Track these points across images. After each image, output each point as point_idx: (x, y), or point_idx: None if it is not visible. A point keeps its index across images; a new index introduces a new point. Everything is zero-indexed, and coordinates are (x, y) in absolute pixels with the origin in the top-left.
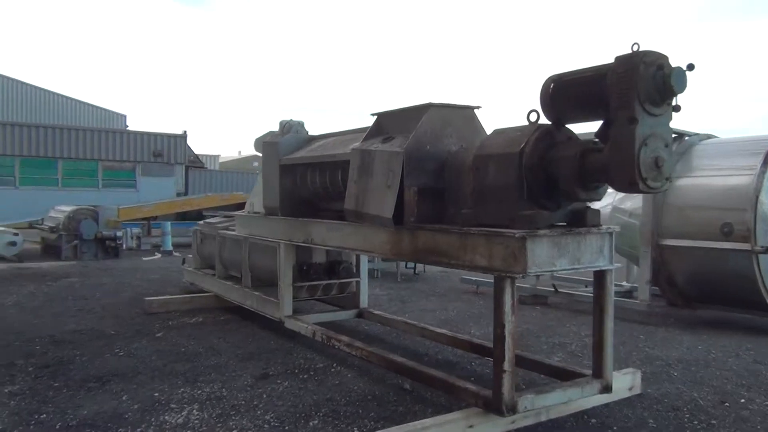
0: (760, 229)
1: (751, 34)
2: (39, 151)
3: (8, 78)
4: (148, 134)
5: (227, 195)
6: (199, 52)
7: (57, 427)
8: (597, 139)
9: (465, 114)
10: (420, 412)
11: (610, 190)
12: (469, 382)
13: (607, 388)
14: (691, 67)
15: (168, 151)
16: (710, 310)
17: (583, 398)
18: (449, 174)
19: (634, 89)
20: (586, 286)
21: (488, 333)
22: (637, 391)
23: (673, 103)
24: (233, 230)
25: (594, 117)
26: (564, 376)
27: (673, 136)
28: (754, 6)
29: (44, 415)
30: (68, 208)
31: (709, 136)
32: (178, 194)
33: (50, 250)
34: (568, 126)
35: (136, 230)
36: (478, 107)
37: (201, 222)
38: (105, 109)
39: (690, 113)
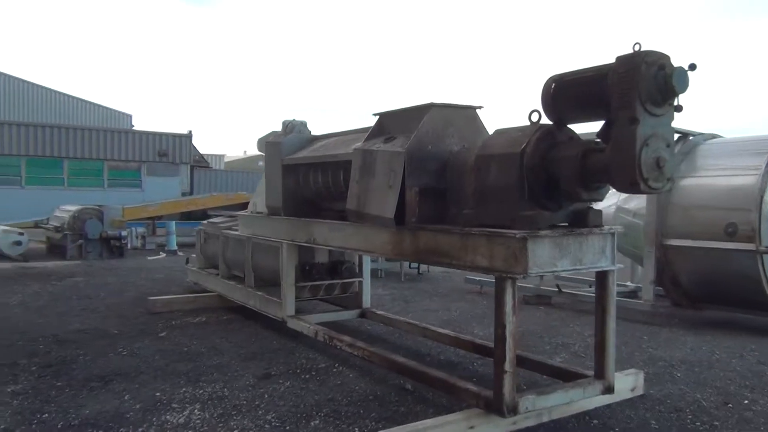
0: (764, 229)
1: (754, 33)
2: (45, 150)
3: (14, 78)
4: (154, 134)
5: (232, 195)
6: (205, 51)
7: (59, 426)
8: (599, 139)
9: (467, 114)
10: (421, 413)
11: (614, 189)
12: (470, 383)
13: (609, 389)
14: (692, 66)
15: (173, 151)
16: (714, 311)
17: (585, 399)
18: (451, 174)
19: (635, 89)
20: (590, 286)
21: (491, 333)
22: (640, 392)
23: (675, 103)
24: (236, 230)
25: (595, 117)
26: (566, 376)
27: (678, 135)
28: (757, 5)
29: (46, 415)
30: (73, 208)
31: (713, 136)
32: (183, 194)
33: (55, 250)
34: (569, 126)
35: (140, 230)
36: (480, 107)
37: (205, 222)
38: (111, 109)
39: (694, 113)
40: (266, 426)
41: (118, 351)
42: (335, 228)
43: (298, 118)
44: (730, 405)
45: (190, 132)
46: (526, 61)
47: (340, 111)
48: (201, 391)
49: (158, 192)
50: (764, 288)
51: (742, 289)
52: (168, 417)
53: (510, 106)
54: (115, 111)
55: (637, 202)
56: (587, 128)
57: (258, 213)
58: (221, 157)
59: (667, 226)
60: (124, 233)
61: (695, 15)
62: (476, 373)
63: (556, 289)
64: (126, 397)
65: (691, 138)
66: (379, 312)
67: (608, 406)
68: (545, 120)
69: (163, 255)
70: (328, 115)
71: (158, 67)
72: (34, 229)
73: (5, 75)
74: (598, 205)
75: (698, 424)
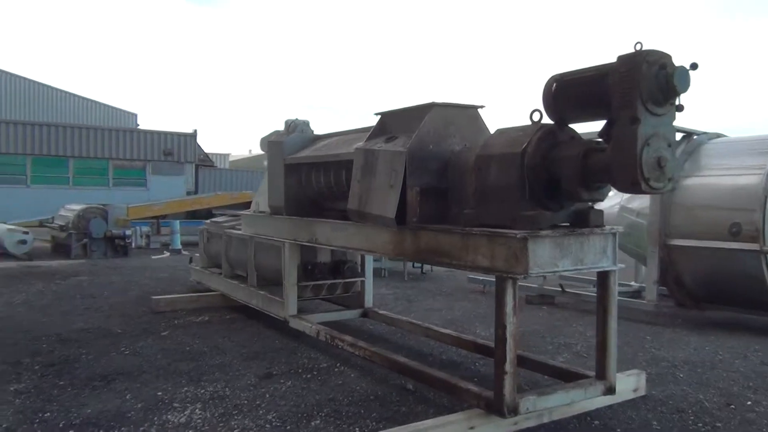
0: None
1: (759, 32)
2: (50, 149)
3: (20, 77)
4: (159, 133)
5: (236, 194)
6: (210, 50)
7: (61, 425)
8: (600, 139)
9: (468, 113)
10: (422, 413)
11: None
12: (471, 383)
13: (610, 390)
14: (694, 66)
15: (178, 150)
16: (718, 311)
17: (586, 400)
18: (452, 174)
19: (636, 89)
20: (594, 286)
21: (493, 333)
22: (642, 392)
23: (677, 103)
24: (239, 229)
25: (597, 117)
26: (567, 377)
27: (682, 135)
28: (761, 4)
29: (48, 414)
30: (78, 207)
31: (717, 135)
32: (188, 193)
33: (60, 249)
34: (571, 126)
35: (145, 229)
36: (481, 107)
37: (208, 221)
38: (116, 108)
39: (698, 112)
40: (267, 426)
41: (121, 350)
42: (337, 228)
43: (303, 117)
44: (732, 406)
45: (195, 131)
46: (528, 60)
47: (345, 110)
48: (202, 391)
49: (163, 191)
50: None
51: (746, 290)
52: (169, 416)
53: (512, 105)
54: (120, 110)
55: (641, 201)
56: (589, 128)
57: (260, 212)
58: (226, 156)
59: (670, 225)
60: (128, 232)
61: (698, 14)
62: (478, 374)
63: (560, 289)
64: (128, 397)
65: (695, 137)
66: (381, 312)
67: (610, 406)
68: (546, 119)
69: (167, 254)
70: (333, 114)
71: (163, 67)
72: (39, 228)
73: (10, 74)
74: (601, 205)
75: (700, 425)
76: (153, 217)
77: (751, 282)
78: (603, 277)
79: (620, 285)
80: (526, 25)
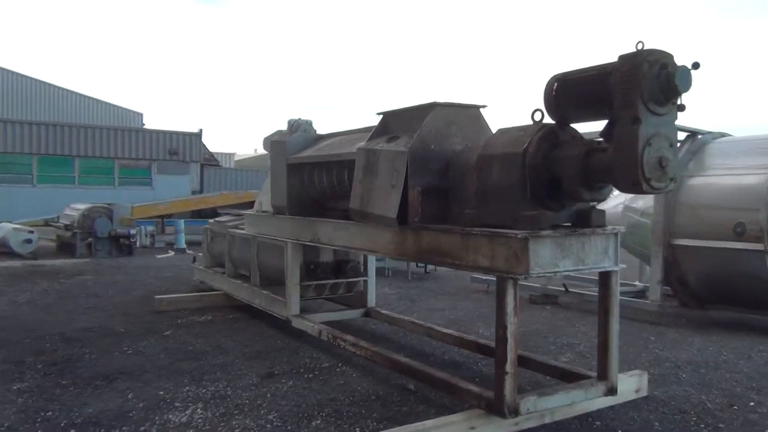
0: None
1: (763, 31)
2: (56, 149)
3: (27, 77)
4: (164, 132)
5: (242, 193)
6: (215, 50)
7: (62, 425)
8: (602, 139)
9: (470, 113)
10: (423, 413)
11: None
12: (471, 384)
13: (612, 391)
14: (696, 65)
15: (183, 150)
16: (723, 311)
17: (588, 400)
18: (454, 173)
19: (637, 88)
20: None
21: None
22: (644, 393)
23: (678, 102)
24: (242, 229)
25: (598, 116)
26: (569, 377)
27: (686, 134)
28: (764, 4)
29: (50, 413)
30: (83, 206)
31: (722, 135)
32: (194, 192)
33: (65, 248)
34: (572, 125)
35: (150, 228)
36: (483, 106)
37: (211, 220)
38: (122, 108)
39: (703, 111)
40: (268, 426)
41: (124, 350)
42: (339, 227)
43: (309, 116)
44: (735, 407)
45: (201, 130)
46: (531, 59)
47: (350, 109)
48: (204, 390)
49: (168, 190)
50: None
51: (751, 290)
52: (170, 416)
53: (514, 105)
54: (126, 110)
55: (645, 201)
56: (591, 128)
57: (263, 212)
58: (231, 155)
59: (674, 225)
60: (133, 231)
61: (703, 13)
62: (480, 374)
63: (563, 289)
64: (129, 396)
65: (699, 137)
66: (383, 311)
67: (612, 407)
68: (548, 119)
69: (171, 253)
70: (338, 113)
71: (169, 66)
72: (45, 227)
73: (17, 74)
74: (606, 204)
75: (702, 426)
76: (158, 217)
77: (756, 282)
78: (604, 278)
79: (624, 285)
80: (529, 25)
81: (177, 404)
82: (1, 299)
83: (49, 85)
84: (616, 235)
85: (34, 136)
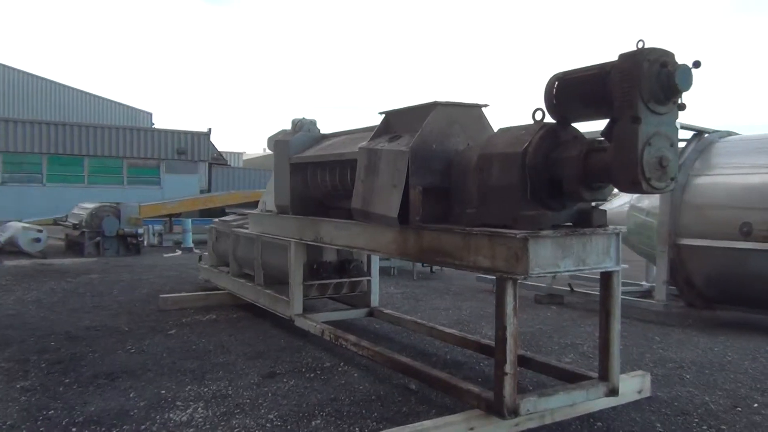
0: None
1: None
2: (66, 148)
3: (37, 76)
4: (172, 132)
5: (249, 192)
6: (224, 50)
7: (64, 423)
8: (603, 138)
9: (472, 112)
10: (424, 413)
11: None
12: (471, 384)
13: (613, 391)
14: (697, 64)
15: (191, 149)
16: (729, 311)
17: (589, 401)
18: (455, 173)
19: (637, 87)
20: None
21: None
22: (647, 394)
23: (679, 101)
24: (247, 228)
25: (599, 116)
26: (571, 378)
27: (693, 133)
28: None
29: (52, 411)
30: (91, 205)
31: (729, 133)
32: (202, 191)
33: (73, 247)
34: (574, 125)
35: (157, 227)
36: (485, 105)
37: (217, 220)
38: (131, 107)
39: (710, 109)
40: (268, 425)
41: (127, 348)
42: (341, 227)
43: (317, 115)
44: (738, 408)
45: (209, 130)
46: (532, 58)
47: (358, 108)
48: (206, 389)
49: (177, 189)
50: None
51: (757, 290)
52: (171, 415)
53: (517, 104)
54: (136, 109)
55: (651, 200)
56: (593, 127)
57: (267, 211)
58: (240, 154)
59: (680, 225)
60: (140, 231)
61: (705, 12)
62: (482, 374)
63: (569, 289)
64: (131, 395)
65: (706, 135)
66: (386, 311)
67: (613, 408)
68: (549, 119)
69: (179, 252)
70: (345, 112)
71: (179, 66)
72: (53, 226)
73: (27, 73)
74: (611, 204)
75: (705, 427)
76: (167, 216)
77: (762, 282)
78: (606, 278)
79: (631, 285)
80: (530, 25)
81: (178, 403)
82: (9, 297)
83: (59, 84)
84: (617, 235)
85: (43, 136)
